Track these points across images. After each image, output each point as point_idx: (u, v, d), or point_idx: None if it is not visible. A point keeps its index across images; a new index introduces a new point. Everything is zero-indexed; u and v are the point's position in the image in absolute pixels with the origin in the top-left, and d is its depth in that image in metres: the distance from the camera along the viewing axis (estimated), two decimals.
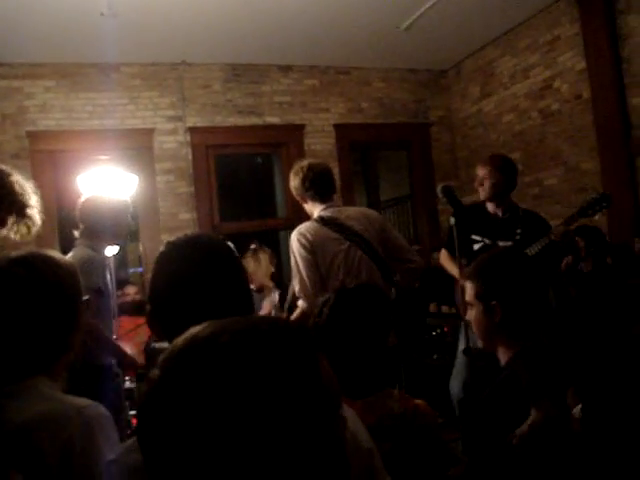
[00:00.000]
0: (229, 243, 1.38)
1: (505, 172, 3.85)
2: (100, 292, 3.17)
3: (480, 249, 3.79)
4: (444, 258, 4.06)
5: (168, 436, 0.67)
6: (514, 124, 6.56)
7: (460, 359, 4.03)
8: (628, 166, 5.25)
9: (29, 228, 2.38)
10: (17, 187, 2.34)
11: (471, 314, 1.91)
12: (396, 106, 7.35)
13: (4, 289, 1.41)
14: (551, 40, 5.98)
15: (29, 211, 2.37)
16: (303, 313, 3.38)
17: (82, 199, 3.45)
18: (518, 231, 3.77)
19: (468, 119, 7.33)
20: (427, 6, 5.57)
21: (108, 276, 3.42)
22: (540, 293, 1.86)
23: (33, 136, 5.94)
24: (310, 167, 3.49)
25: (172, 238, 1.32)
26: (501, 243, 3.76)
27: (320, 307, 1.86)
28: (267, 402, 0.66)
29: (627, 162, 5.26)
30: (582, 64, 5.62)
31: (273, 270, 4.99)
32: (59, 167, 6.07)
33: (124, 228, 3.54)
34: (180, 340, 0.74)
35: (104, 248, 3.45)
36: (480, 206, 4.01)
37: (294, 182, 3.51)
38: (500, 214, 3.88)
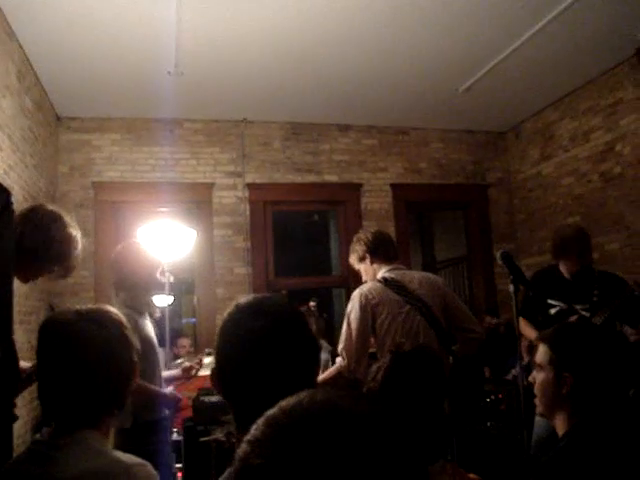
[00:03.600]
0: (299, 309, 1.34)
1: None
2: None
3: (557, 313, 3.70)
4: (523, 326, 3.84)
5: None
6: (574, 187, 6.44)
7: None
8: None
9: (66, 274, 2.51)
10: (71, 239, 2.43)
11: (538, 376, 1.86)
12: (454, 167, 7.34)
13: (72, 343, 1.43)
14: (613, 103, 5.90)
15: (72, 261, 2.48)
16: (337, 371, 3.33)
17: (117, 248, 3.44)
18: (595, 292, 3.65)
19: (527, 181, 7.25)
20: (486, 69, 5.60)
21: (149, 327, 3.34)
22: (615, 371, 1.79)
23: (98, 187, 6.15)
24: (374, 232, 3.63)
25: (241, 300, 1.28)
26: (578, 307, 3.65)
27: (374, 372, 1.81)
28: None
29: None
30: None
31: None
32: (121, 217, 6.25)
33: (152, 284, 3.45)
34: (291, 408, 0.65)
35: (141, 299, 3.36)
36: (553, 269, 3.92)
37: (359, 246, 3.56)
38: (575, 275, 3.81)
